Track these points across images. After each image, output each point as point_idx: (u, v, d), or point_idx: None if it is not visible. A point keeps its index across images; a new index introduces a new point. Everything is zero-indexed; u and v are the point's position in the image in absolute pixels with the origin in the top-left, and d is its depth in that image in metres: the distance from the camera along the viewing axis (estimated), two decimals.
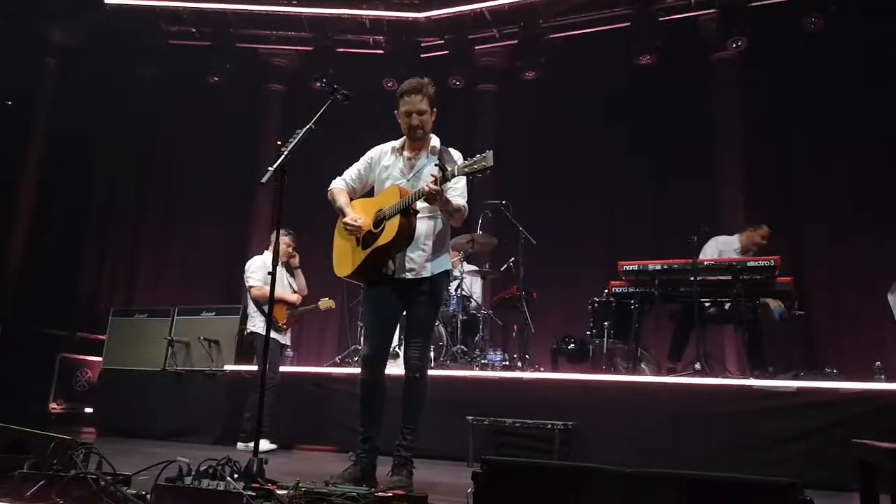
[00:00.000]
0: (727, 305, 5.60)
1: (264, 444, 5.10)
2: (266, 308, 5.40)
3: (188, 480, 2.37)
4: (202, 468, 2.44)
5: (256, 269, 5.68)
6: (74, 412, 7.33)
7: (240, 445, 5.24)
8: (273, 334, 5.48)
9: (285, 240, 5.69)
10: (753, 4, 7.47)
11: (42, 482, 2.34)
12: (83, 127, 8.92)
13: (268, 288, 5.38)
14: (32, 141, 8.82)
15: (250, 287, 5.65)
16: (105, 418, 6.46)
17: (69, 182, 9.02)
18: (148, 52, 8.91)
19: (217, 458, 2.53)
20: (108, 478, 2.39)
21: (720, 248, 5.90)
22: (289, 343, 5.91)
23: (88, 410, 7.13)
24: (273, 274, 3.15)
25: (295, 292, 5.79)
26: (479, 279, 6.89)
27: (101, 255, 9.42)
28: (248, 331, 5.71)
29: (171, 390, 6.23)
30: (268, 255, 5.69)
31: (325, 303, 5.95)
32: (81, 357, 7.65)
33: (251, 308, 5.69)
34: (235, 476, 2.48)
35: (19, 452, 2.61)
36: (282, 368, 5.99)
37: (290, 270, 5.84)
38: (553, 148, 8.57)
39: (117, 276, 9.37)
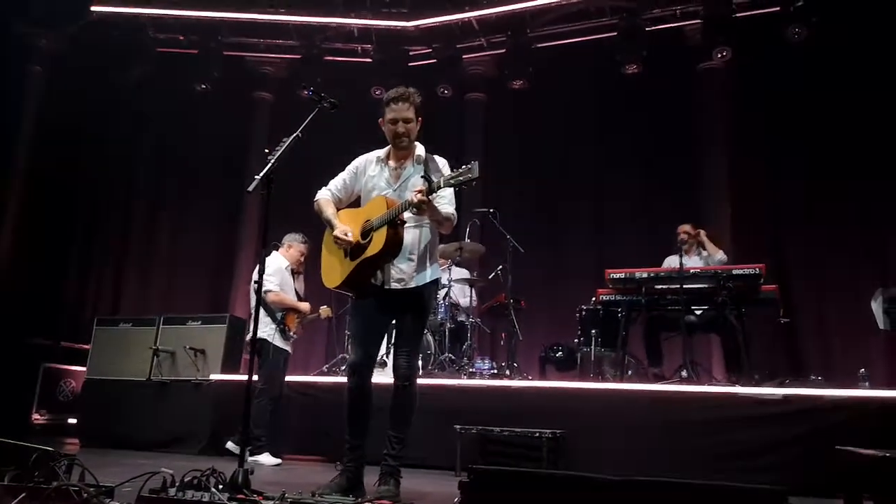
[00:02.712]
0: (699, 312, 5.64)
1: (268, 459, 5.07)
2: (279, 315, 5.40)
3: (172, 492, 2.35)
4: (186, 479, 2.42)
5: (273, 273, 5.43)
6: (58, 423, 7.23)
7: (249, 458, 5.13)
8: (282, 343, 5.40)
9: (301, 248, 5.62)
10: (738, 15, 7.55)
11: (23, 494, 2.30)
12: (69, 134, 8.85)
13: (284, 293, 5.46)
14: (18, 149, 8.74)
15: (266, 291, 5.35)
16: (89, 429, 6.37)
17: (54, 190, 8.94)
18: (135, 60, 8.87)
19: (202, 468, 2.51)
20: (91, 489, 2.36)
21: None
22: (291, 351, 5.68)
23: (72, 421, 7.04)
24: (259, 283, 3.14)
25: (302, 300, 5.67)
26: (466, 287, 6.89)
27: (86, 263, 9.33)
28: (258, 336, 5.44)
29: (157, 400, 6.17)
30: (281, 259, 5.57)
31: (326, 311, 5.85)
32: (65, 367, 7.55)
33: (261, 313, 5.47)
34: (220, 487, 2.46)
35: (0, 464, 2.57)
36: None
37: (294, 275, 5.72)
38: (541, 156, 8.61)
39: (102, 285, 9.28)
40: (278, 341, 5.38)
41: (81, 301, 9.13)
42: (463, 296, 6.75)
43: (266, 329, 5.32)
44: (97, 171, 9.47)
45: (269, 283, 5.37)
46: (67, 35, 8.97)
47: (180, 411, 6.01)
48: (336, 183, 3.56)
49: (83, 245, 9.38)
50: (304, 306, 5.59)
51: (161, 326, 6.45)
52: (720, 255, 5.94)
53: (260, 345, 5.29)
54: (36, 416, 7.15)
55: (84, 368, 6.77)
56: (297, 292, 5.66)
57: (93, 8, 8.64)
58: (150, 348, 6.30)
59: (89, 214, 9.49)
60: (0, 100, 8.39)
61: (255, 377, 5.18)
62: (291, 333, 5.46)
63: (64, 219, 9.14)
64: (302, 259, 5.64)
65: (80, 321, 8.56)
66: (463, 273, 6.74)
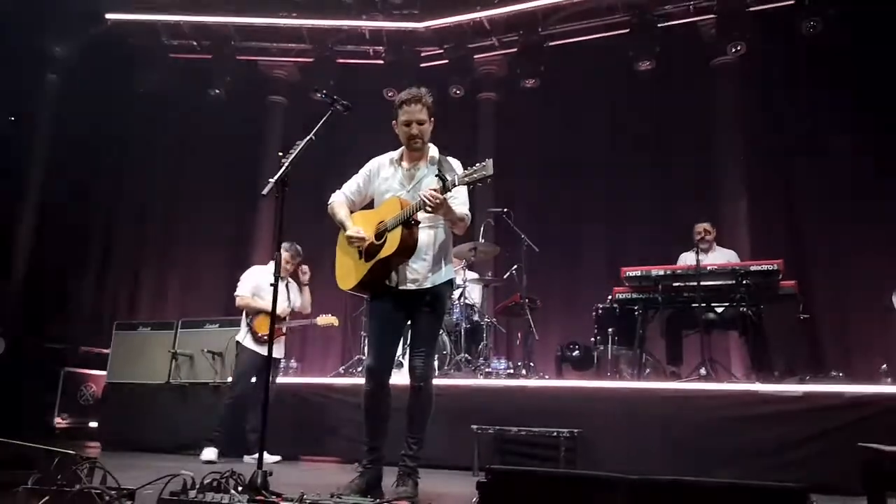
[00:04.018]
0: (720, 310, 5.59)
1: (207, 454, 5.22)
2: (249, 318, 5.56)
3: (192, 494, 2.37)
4: (206, 481, 2.44)
5: (245, 279, 5.74)
6: (79, 426, 7.33)
7: (206, 453, 5.28)
8: (253, 346, 5.53)
9: (285, 256, 5.68)
10: (752, 9, 7.48)
11: (46, 498, 2.33)
12: (85, 141, 8.97)
13: (248, 298, 5.57)
14: (35, 156, 8.87)
15: (235, 296, 5.71)
16: (109, 432, 6.45)
17: (71, 196, 9.06)
18: (149, 67, 8.97)
19: (221, 471, 2.53)
20: (113, 492, 2.38)
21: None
22: (279, 355, 5.73)
23: (93, 424, 7.12)
24: (275, 286, 3.14)
25: (291, 308, 5.71)
26: (481, 287, 6.89)
27: (104, 268, 9.43)
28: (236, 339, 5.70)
29: (176, 403, 6.22)
30: (263, 267, 5.77)
31: (325, 319, 5.82)
32: (86, 371, 7.65)
33: (243, 317, 5.72)
34: (240, 489, 2.48)
35: (23, 468, 2.60)
36: (286, 379, 5.98)
37: (300, 285, 5.80)
38: (554, 155, 8.58)
39: (120, 289, 9.37)
40: (249, 343, 5.54)
41: (100, 306, 9.22)
42: (477, 298, 6.75)
43: (241, 332, 5.61)
44: (113, 177, 9.58)
45: (238, 289, 5.72)
46: (82, 43, 9.07)
47: (199, 414, 6.05)
48: (350, 186, 3.58)
49: (100, 250, 9.48)
50: (285, 310, 5.63)
51: (179, 330, 6.51)
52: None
53: (238, 349, 5.60)
54: (58, 419, 7.24)
55: (104, 372, 6.85)
56: (288, 299, 5.69)
57: (107, 16, 8.74)
58: (168, 352, 6.37)
59: (105, 220, 9.59)
60: (17, 107, 8.51)
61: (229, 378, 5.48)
62: (261, 335, 5.50)
63: (81, 225, 9.25)
64: (287, 266, 5.67)
65: (99, 326, 8.65)
66: (474, 276, 6.73)
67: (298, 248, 5.72)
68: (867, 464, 2.36)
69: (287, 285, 5.69)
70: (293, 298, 5.76)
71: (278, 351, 5.69)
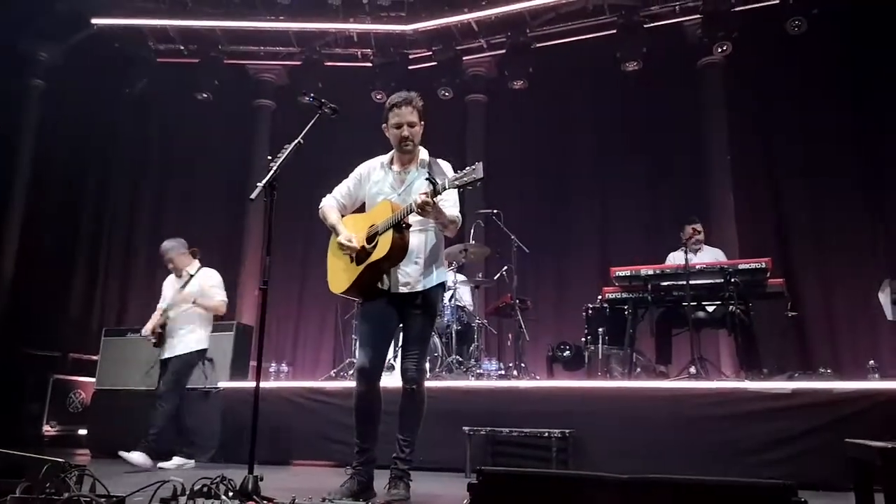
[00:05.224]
0: (711, 308, 5.62)
1: (173, 461, 5.25)
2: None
3: (183, 500, 2.36)
4: (196, 487, 2.43)
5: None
6: (68, 434, 7.26)
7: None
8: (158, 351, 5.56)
9: (170, 255, 5.65)
10: (737, 9, 7.54)
11: None
12: (72, 147, 8.91)
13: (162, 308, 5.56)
14: (21, 161, 8.79)
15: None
16: (99, 439, 6.39)
17: (58, 202, 8.99)
18: (136, 71, 8.92)
19: (211, 476, 2.52)
20: (102, 500, 2.37)
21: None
22: (170, 354, 5.54)
23: (82, 432, 7.06)
24: (265, 290, 3.15)
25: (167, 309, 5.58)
26: (470, 288, 6.89)
27: (92, 275, 9.36)
28: None
29: None
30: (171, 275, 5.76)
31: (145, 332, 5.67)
32: (74, 378, 7.58)
33: None
34: (230, 494, 2.47)
35: (12, 476, 2.58)
36: (277, 384, 5.96)
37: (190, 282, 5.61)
38: (543, 156, 8.62)
39: (108, 295, 9.31)
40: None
41: (88, 312, 9.15)
42: (467, 300, 6.76)
43: None
44: (101, 182, 9.52)
45: None
46: (68, 48, 9.01)
47: (189, 420, 6.00)
48: (340, 190, 3.58)
49: (88, 256, 9.41)
50: (158, 309, 5.64)
51: None
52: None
53: None
54: (47, 427, 7.17)
55: (93, 379, 6.79)
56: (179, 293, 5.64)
57: (93, 20, 8.69)
58: (158, 357, 6.31)
59: (93, 225, 9.52)
60: (2, 112, 8.43)
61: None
62: (150, 338, 5.53)
63: (68, 230, 9.18)
64: (168, 265, 5.71)
65: (87, 332, 8.59)
66: (462, 277, 6.74)
67: (170, 242, 5.71)
68: (855, 459, 2.38)
69: (178, 285, 5.62)
70: (184, 292, 5.59)
71: (164, 351, 5.55)
